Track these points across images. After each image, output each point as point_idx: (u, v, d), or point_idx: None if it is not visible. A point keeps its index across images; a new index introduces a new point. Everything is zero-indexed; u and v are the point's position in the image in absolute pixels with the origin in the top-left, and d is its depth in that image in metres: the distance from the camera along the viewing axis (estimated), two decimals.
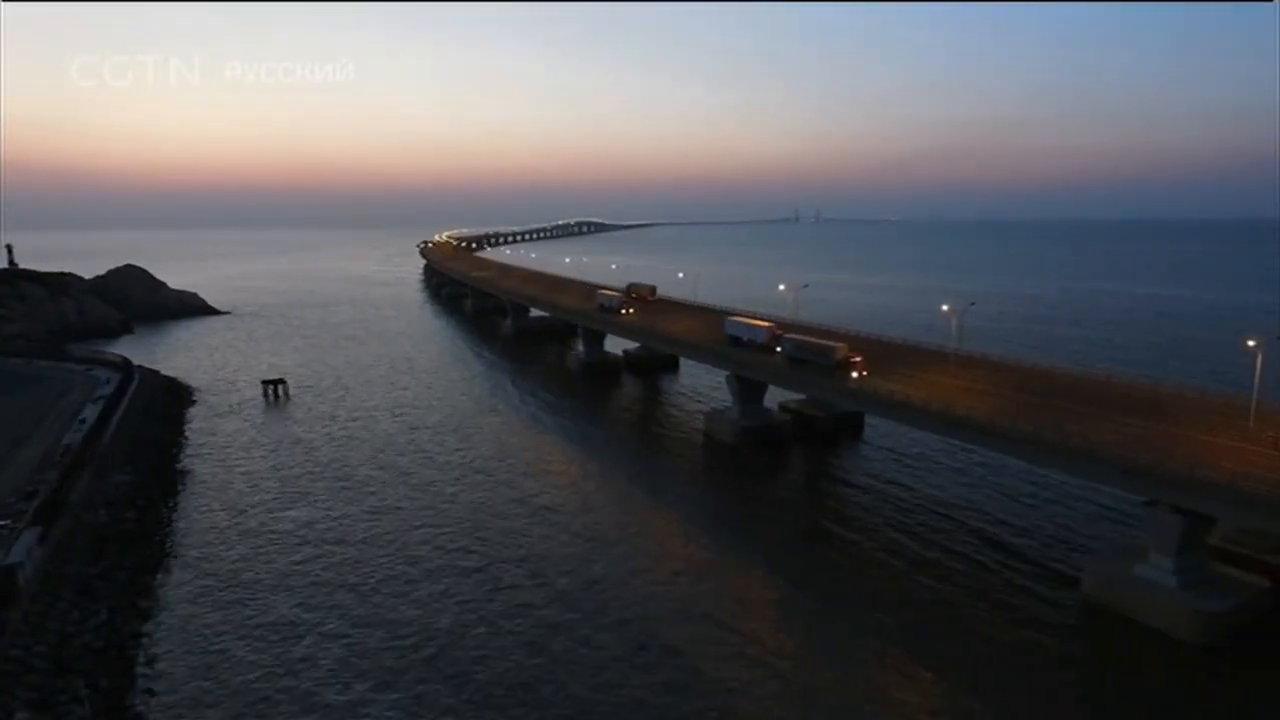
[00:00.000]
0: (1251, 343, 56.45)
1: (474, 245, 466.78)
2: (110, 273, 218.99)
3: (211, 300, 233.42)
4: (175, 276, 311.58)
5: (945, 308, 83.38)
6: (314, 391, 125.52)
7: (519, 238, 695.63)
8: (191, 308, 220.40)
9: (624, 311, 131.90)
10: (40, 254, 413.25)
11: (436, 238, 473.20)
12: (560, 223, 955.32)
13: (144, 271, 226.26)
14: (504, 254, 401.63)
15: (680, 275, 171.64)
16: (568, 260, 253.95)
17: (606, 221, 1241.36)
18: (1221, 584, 53.92)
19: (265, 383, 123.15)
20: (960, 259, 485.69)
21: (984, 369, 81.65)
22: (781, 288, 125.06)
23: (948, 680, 47.61)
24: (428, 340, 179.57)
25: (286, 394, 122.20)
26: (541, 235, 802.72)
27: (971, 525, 69.28)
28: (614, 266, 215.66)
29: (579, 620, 54.16)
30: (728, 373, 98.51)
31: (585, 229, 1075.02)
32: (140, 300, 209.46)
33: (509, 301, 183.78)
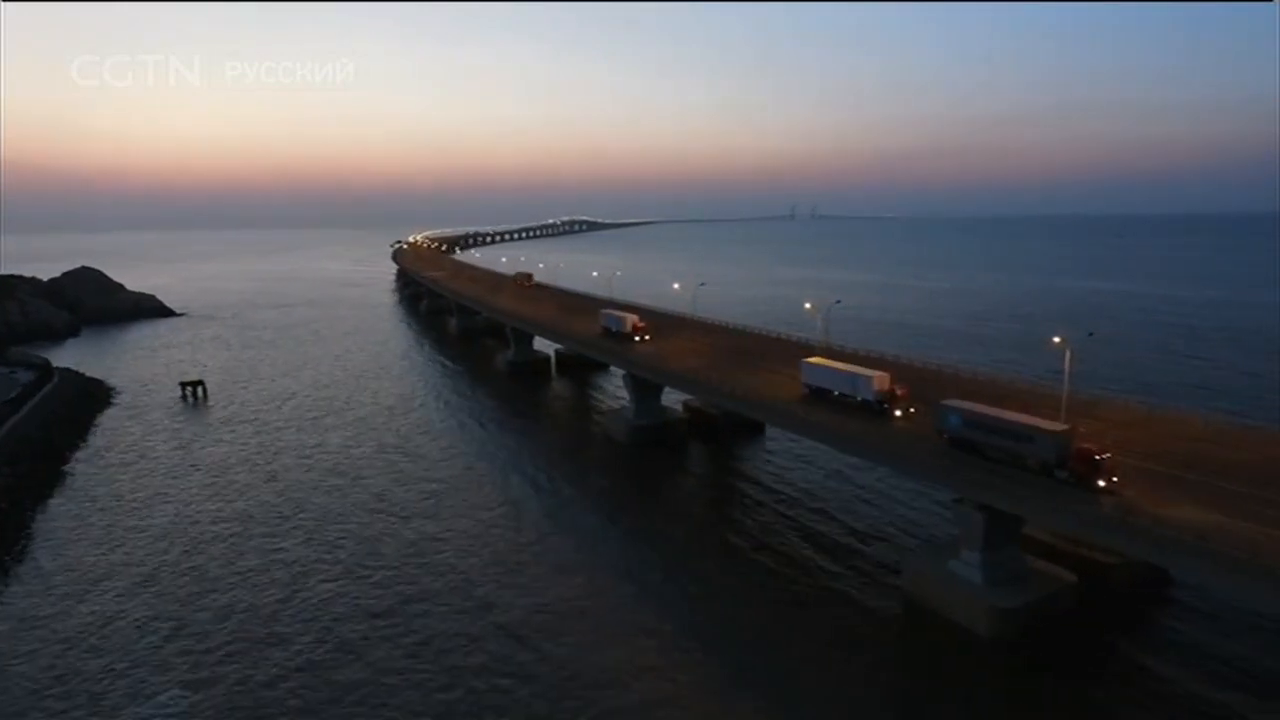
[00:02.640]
0: (1057, 339, 56.74)
1: (446, 247, 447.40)
2: (64, 275, 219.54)
3: (170, 302, 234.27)
4: (146, 279, 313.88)
5: (808, 305, 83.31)
6: (235, 393, 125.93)
7: (504, 237, 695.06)
8: (147, 310, 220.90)
9: (638, 339, 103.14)
10: (29, 256, 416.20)
11: (411, 239, 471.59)
12: (550, 221, 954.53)
13: (99, 274, 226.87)
14: (479, 256, 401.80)
15: (594, 274, 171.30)
16: (504, 260, 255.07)
17: (599, 220, 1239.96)
18: (1029, 579, 54.17)
19: (183, 384, 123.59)
20: (935, 256, 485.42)
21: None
22: (676, 286, 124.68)
23: (754, 676, 48.10)
24: (373, 341, 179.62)
25: (205, 395, 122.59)
26: (531, 234, 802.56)
27: (835, 522, 69.59)
28: (542, 266, 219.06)
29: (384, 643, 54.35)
30: (624, 371, 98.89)
31: (577, 228, 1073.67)
32: (93, 302, 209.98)
33: (454, 301, 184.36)
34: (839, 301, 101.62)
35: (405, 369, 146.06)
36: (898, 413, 63.26)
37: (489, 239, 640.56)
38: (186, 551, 66.38)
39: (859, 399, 66.34)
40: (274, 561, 64.24)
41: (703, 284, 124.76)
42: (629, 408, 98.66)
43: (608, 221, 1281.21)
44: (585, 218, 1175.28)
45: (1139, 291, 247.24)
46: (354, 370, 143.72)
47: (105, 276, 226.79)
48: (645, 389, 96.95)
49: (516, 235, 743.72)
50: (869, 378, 65.97)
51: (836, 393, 68.89)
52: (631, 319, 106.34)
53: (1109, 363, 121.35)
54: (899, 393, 64.64)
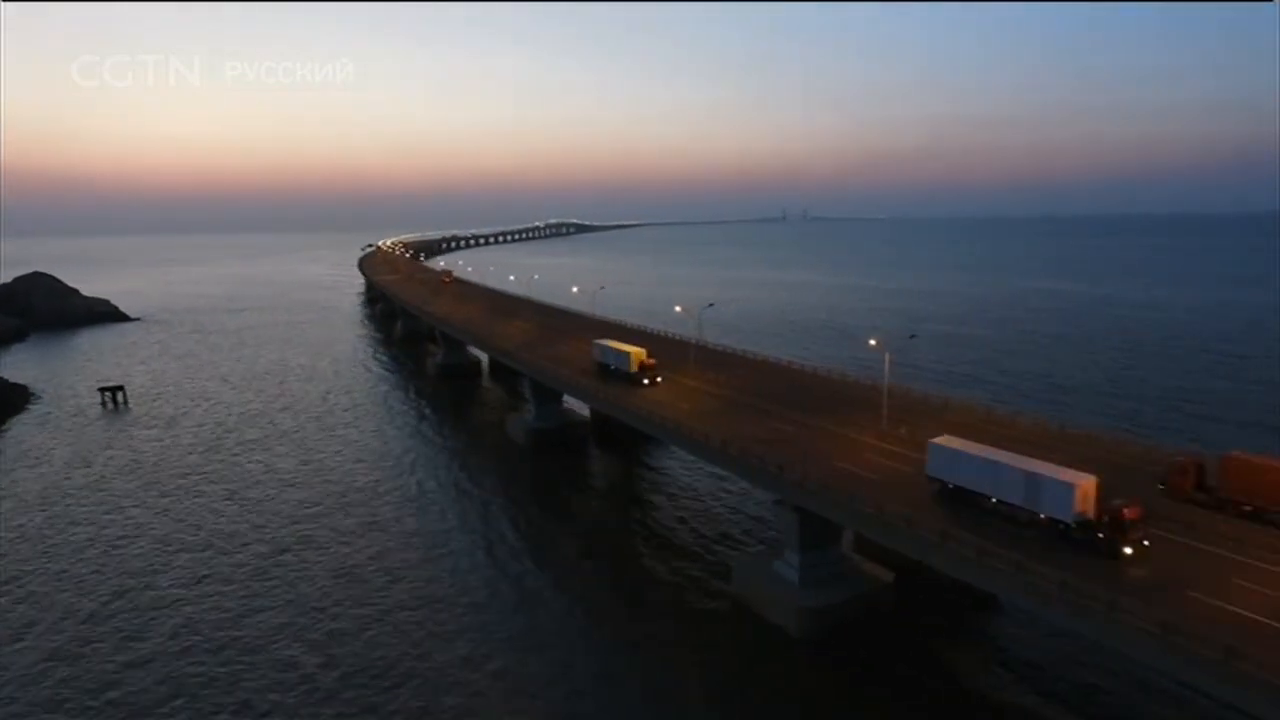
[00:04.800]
0: (872, 342, 57.33)
1: (414, 252, 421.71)
2: (16, 280, 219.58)
3: (130, 307, 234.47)
4: (117, 284, 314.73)
5: (678, 309, 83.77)
6: (159, 399, 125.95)
7: (486, 240, 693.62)
8: (101, 315, 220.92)
9: (648, 382, 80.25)
10: (13, 262, 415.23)
11: (381, 243, 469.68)
12: (536, 224, 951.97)
13: (52, 279, 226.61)
14: (457, 260, 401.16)
15: (511, 278, 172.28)
16: (445, 264, 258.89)
17: (588, 222, 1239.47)
18: (845, 579, 54.67)
19: (102, 390, 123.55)
20: (905, 257, 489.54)
21: (727, 368, 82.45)
22: (575, 289, 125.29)
23: (565, 680, 48.38)
24: (318, 345, 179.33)
25: (125, 401, 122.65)
26: (514, 237, 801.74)
27: (708, 526, 69.99)
28: (470, 270, 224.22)
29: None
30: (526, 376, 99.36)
31: (566, 230, 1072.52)
32: (45, 308, 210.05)
33: (399, 305, 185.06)
34: (711, 305, 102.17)
35: (336, 373, 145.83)
36: (1128, 550, 38.23)
37: (468, 242, 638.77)
38: (29, 569, 65.81)
39: (1042, 515, 41.74)
40: (128, 573, 64.58)
41: (601, 287, 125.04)
42: (530, 410, 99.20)
43: (596, 224, 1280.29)
44: (574, 220, 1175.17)
45: (1089, 292, 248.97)
46: (284, 375, 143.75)
47: (59, 282, 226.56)
48: (545, 392, 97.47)
49: (498, 238, 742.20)
50: (1064, 484, 40.73)
51: (994, 500, 44.46)
52: (637, 354, 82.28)
53: (1013, 364, 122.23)
54: (1128, 514, 38.86)
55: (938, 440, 49.31)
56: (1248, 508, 42.35)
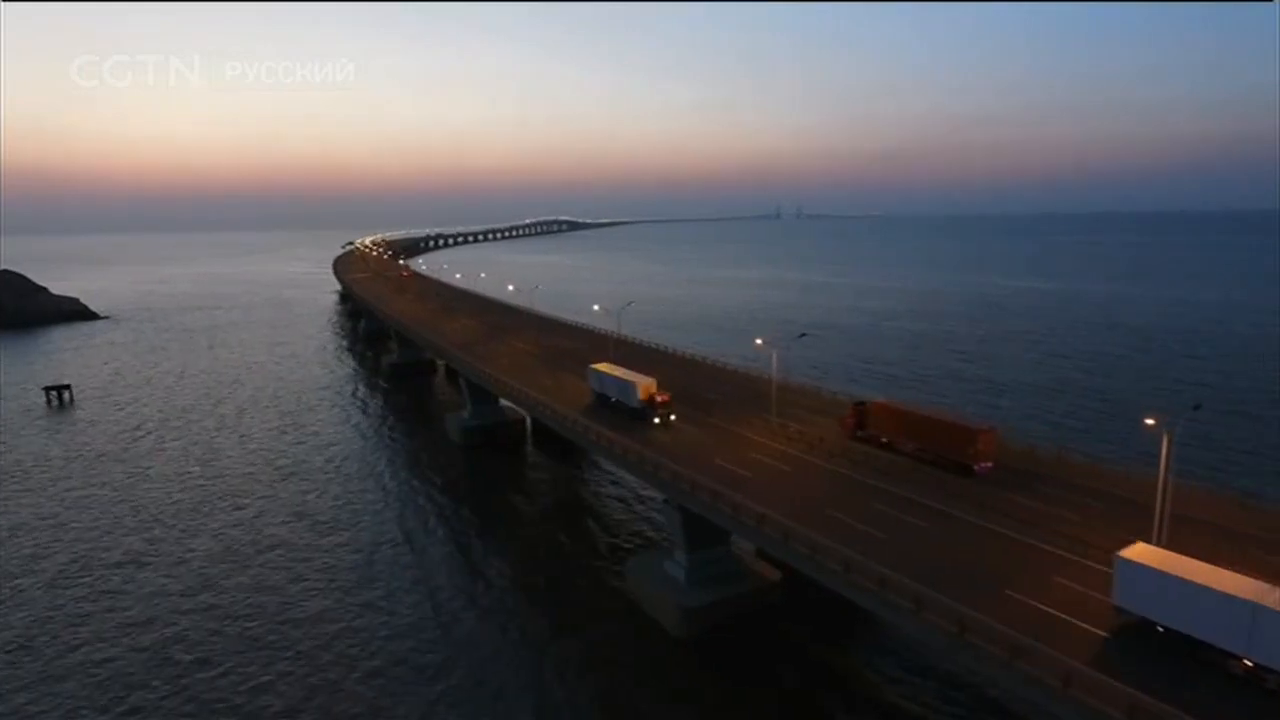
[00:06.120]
0: (759, 341, 57.40)
1: (397, 252, 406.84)
2: None
3: (100, 306, 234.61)
4: (93, 282, 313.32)
5: (596, 307, 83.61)
6: (106, 396, 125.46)
7: (474, 238, 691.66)
8: (68, 313, 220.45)
9: (660, 420, 65.79)
10: (7, 260, 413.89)
11: (358, 243, 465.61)
12: (528, 221, 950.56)
13: (20, 277, 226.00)
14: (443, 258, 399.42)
15: (458, 277, 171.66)
16: (437, 263, 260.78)
17: (580, 220, 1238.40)
18: (731, 578, 54.51)
19: (47, 389, 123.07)
20: (882, 254, 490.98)
21: (647, 364, 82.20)
22: (511, 288, 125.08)
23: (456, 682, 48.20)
24: (278, 343, 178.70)
25: (71, 400, 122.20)
26: (503, 235, 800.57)
27: (611, 523, 70.14)
28: (424, 267, 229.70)
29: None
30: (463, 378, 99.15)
31: (557, 228, 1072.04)
32: (10, 306, 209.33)
33: (362, 304, 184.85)
34: (631, 303, 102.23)
35: (289, 372, 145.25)
36: None
37: (453, 240, 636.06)
38: None
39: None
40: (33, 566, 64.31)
41: (537, 287, 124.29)
42: (467, 408, 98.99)
43: (589, 221, 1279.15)
44: (566, 218, 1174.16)
45: (1054, 289, 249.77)
46: (236, 375, 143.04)
47: (27, 280, 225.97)
48: (481, 391, 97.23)
49: (485, 236, 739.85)
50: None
51: (1251, 663, 27.86)
52: (646, 386, 67.59)
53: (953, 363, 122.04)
54: None
55: (1130, 554, 32.49)
56: (884, 440, 54.60)
